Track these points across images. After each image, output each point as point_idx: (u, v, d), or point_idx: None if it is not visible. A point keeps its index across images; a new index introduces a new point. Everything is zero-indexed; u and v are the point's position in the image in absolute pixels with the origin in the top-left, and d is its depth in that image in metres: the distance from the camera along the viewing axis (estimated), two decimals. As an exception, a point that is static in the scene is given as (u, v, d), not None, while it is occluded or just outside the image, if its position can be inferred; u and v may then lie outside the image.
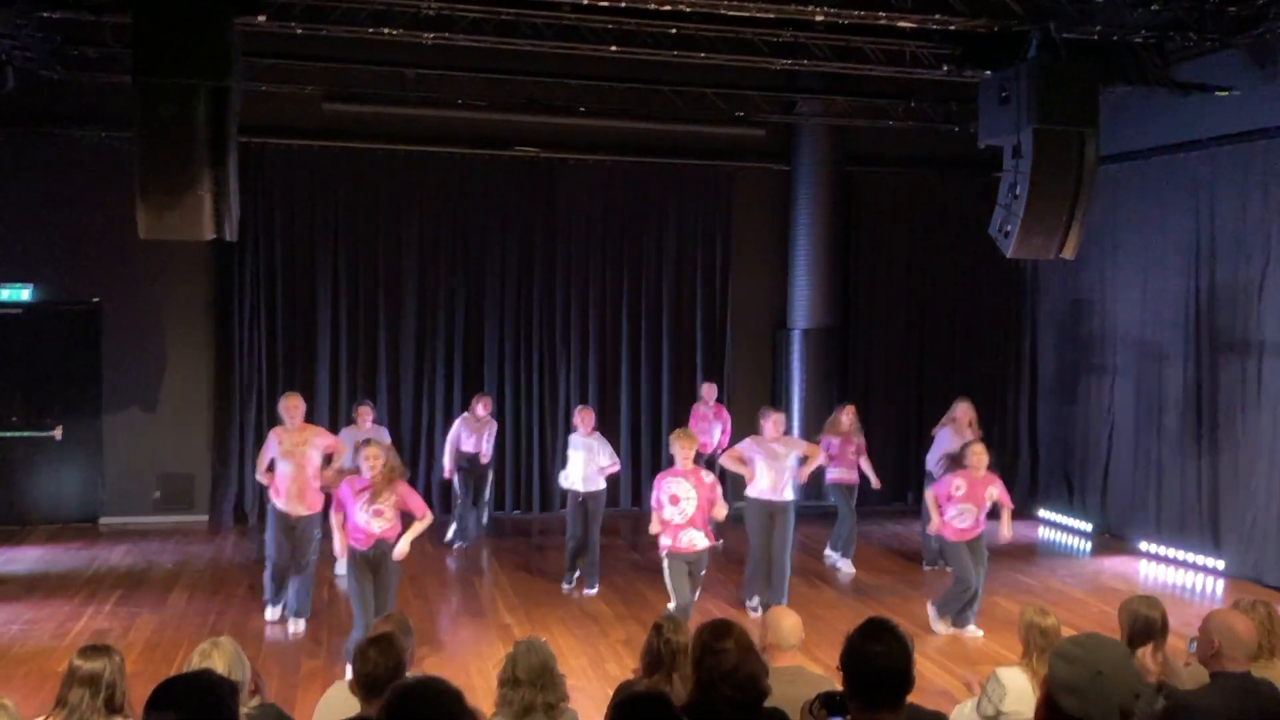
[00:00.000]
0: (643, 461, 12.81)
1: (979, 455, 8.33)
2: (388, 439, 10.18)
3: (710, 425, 11.48)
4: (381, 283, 12.21)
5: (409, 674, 3.94)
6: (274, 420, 11.62)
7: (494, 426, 11.21)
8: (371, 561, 7.20)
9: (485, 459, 11.05)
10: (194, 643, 4.52)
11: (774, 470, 8.60)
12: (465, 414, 11.07)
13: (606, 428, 12.63)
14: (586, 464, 9.42)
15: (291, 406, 8.53)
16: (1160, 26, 8.49)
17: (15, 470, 11.41)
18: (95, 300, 11.57)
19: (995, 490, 8.38)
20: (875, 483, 10.75)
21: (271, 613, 8.47)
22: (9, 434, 11.37)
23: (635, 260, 12.89)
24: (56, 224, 11.26)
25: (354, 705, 3.99)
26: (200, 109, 7.16)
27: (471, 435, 10.90)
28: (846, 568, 10.37)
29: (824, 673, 4.71)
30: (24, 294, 11.40)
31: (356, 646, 4.05)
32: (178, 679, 2.84)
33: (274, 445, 8.43)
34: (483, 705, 4.85)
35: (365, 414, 10.05)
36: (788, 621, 4.52)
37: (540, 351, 12.68)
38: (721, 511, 7.65)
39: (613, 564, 10.32)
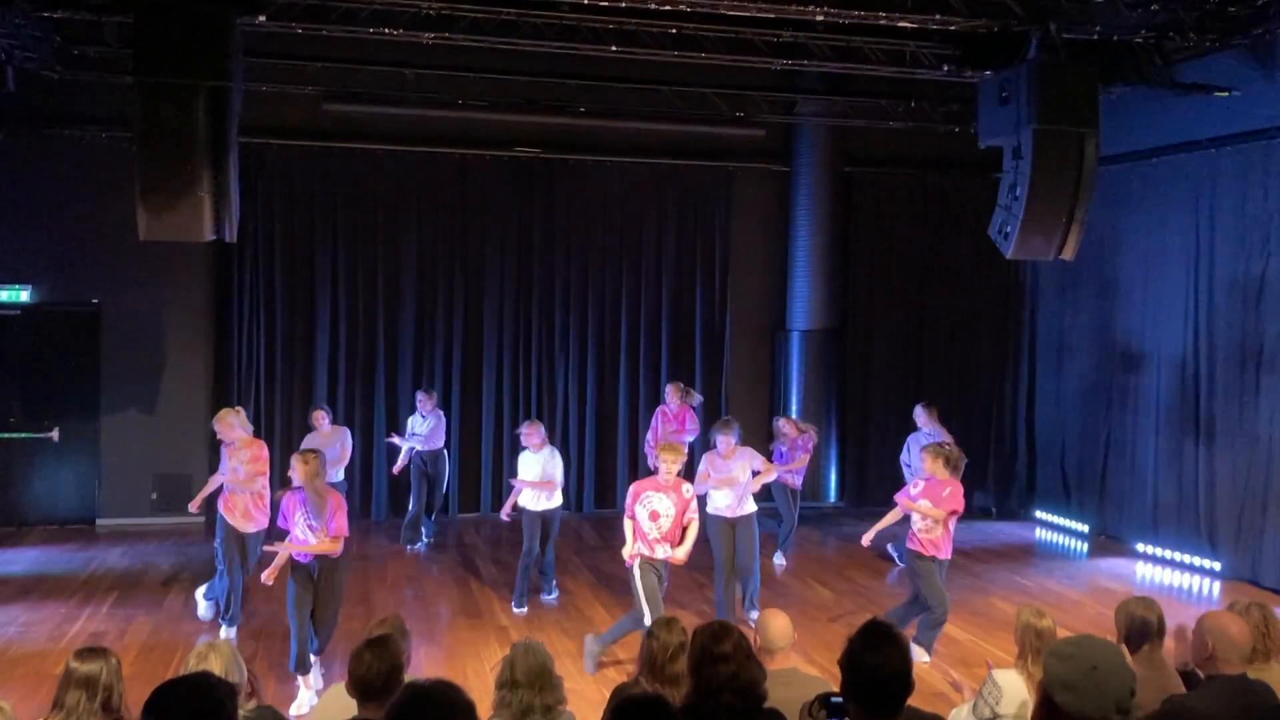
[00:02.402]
0: (640, 463, 12.78)
1: (931, 461, 7.60)
2: (349, 440, 10.17)
3: (670, 424, 11.04)
4: (381, 283, 12.21)
5: (414, 677, 3.93)
6: (271, 421, 11.72)
7: (441, 420, 11.03)
8: (312, 573, 6.87)
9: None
10: (190, 645, 4.53)
11: (731, 488, 8.34)
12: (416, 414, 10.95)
13: (604, 428, 12.70)
14: (541, 480, 8.90)
15: (225, 423, 8.13)
16: (1160, 27, 8.49)
17: (13, 471, 11.40)
18: (94, 301, 11.56)
19: (948, 492, 7.51)
20: (796, 481, 10.49)
21: (225, 630, 7.99)
22: (7, 435, 11.36)
23: (635, 260, 12.89)
24: (56, 225, 11.26)
25: (352, 707, 3.98)
26: (200, 109, 7.17)
27: (425, 435, 10.82)
28: (780, 559, 10.37)
29: (818, 674, 4.71)
30: (23, 295, 11.39)
31: (353, 649, 4.03)
32: (177, 681, 2.84)
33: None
34: (480, 707, 4.85)
35: (320, 418, 10.00)
36: (777, 624, 4.51)
37: (539, 351, 12.67)
38: (689, 541, 7.41)
39: (610, 566, 10.31)
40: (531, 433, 8.97)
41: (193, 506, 8.68)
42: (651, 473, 9.85)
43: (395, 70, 10.65)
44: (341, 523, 6.82)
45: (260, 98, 10.31)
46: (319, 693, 6.72)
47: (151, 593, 9.17)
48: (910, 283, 13.40)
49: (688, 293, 13.05)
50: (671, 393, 11.15)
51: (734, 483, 8.34)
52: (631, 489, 7.57)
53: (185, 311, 11.80)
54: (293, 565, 6.91)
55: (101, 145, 10.99)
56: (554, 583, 9.27)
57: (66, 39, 9.16)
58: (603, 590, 9.49)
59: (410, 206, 12.24)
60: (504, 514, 9.27)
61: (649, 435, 11.24)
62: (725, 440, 8.40)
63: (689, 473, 8.19)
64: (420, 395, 11.11)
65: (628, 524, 7.47)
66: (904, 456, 10.51)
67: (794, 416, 11.53)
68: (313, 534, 6.79)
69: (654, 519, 7.33)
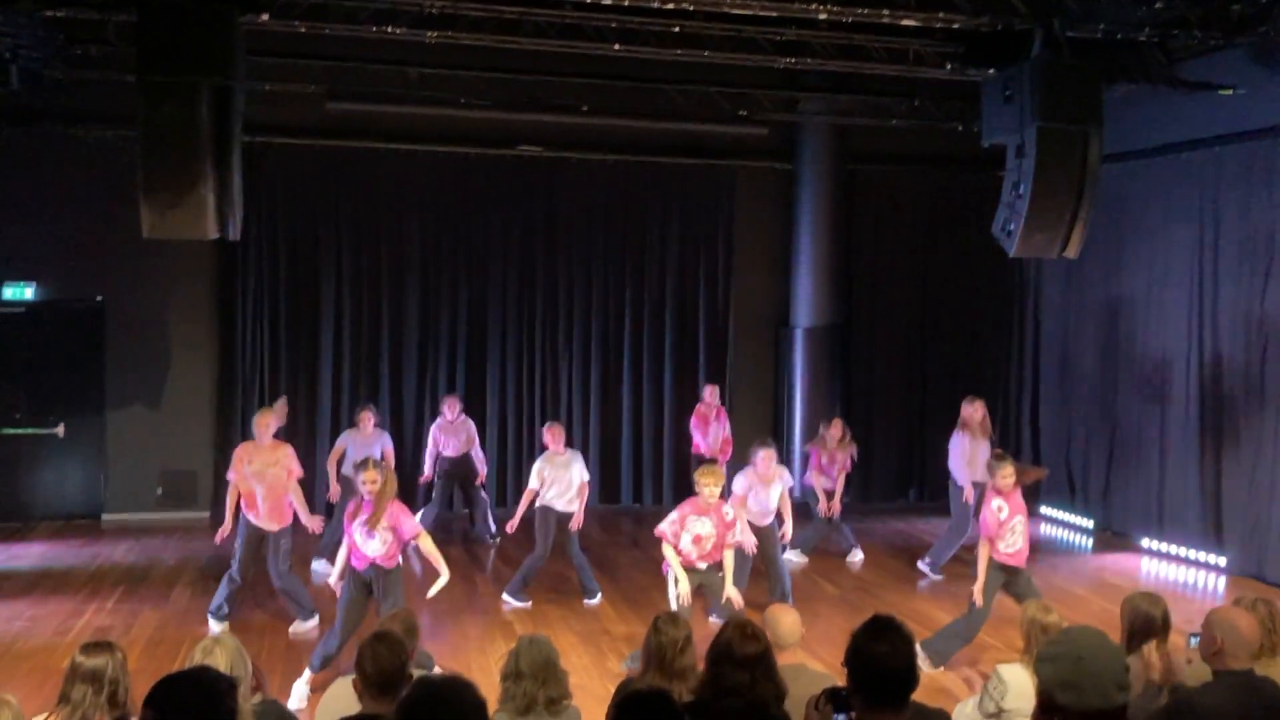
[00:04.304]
0: (644, 459, 12.82)
1: (1008, 477, 7.45)
2: (390, 444, 10.14)
3: (710, 426, 11.38)
4: (384, 281, 12.23)
5: (427, 672, 3.94)
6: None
7: (472, 427, 10.97)
8: (368, 583, 6.94)
9: (480, 470, 10.97)
10: (196, 640, 4.53)
11: (759, 503, 8.49)
12: (439, 419, 10.90)
13: (608, 424, 12.71)
14: (563, 482, 8.93)
15: (264, 424, 8.25)
16: (1164, 24, 8.47)
17: (18, 467, 11.42)
18: (98, 298, 11.59)
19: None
20: (830, 509, 10.36)
21: (215, 625, 7.98)
22: (12, 431, 11.39)
23: (638, 258, 12.90)
24: (60, 222, 11.28)
25: (356, 703, 3.99)
26: (203, 108, 7.16)
27: (450, 439, 10.80)
28: (797, 558, 10.25)
29: (825, 670, 4.72)
30: (27, 292, 11.42)
31: (361, 643, 4.04)
32: (176, 676, 2.84)
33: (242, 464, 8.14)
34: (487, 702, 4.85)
35: (367, 418, 10.00)
36: (787, 619, 4.53)
37: (542, 349, 12.69)
38: (730, 569, 7.42)
39: (615, 561, 10.33)
40: (557, 435, 9.07)
41: (220, 538, 8.42)
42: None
43: (398, 69, 10.64)
44: (410, 524, 6.94)
45: (263, 96, 10.31)
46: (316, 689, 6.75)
47: (157, 588, 9.20)
48: (914, 280, 13.40)
49: (691, 290, 13.05)
50: (710, 394, 11.41)
51: (768, 515, 8.55)
52: (675, 515, 7.33)
53: (189, 308, 11.83)
54: (350, 573, 6.95)
55: (105, 143, 11.00)
56: (595, 589, 9.05)
57: (70, 38, 9.16)
58: (609, 584, 9.47)
59: (413, 205, 12.26)
60: (511, 527, 9.19)
61: (699, 433, 11.37)
62: (767, 456, 8.41)
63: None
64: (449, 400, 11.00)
65: (670, 552, 7.27)
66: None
67: (838, 428, 10.62)
68: (369, 539, 6.83)
69: (696, 542, 7.25)
